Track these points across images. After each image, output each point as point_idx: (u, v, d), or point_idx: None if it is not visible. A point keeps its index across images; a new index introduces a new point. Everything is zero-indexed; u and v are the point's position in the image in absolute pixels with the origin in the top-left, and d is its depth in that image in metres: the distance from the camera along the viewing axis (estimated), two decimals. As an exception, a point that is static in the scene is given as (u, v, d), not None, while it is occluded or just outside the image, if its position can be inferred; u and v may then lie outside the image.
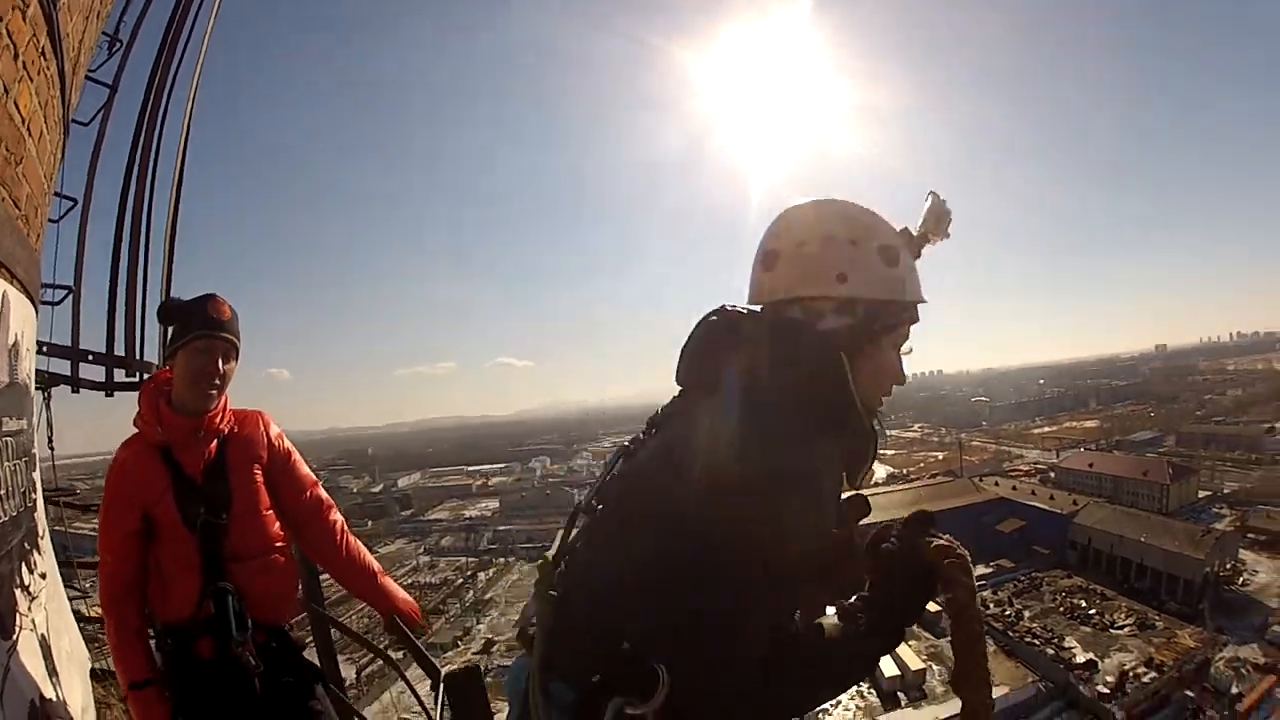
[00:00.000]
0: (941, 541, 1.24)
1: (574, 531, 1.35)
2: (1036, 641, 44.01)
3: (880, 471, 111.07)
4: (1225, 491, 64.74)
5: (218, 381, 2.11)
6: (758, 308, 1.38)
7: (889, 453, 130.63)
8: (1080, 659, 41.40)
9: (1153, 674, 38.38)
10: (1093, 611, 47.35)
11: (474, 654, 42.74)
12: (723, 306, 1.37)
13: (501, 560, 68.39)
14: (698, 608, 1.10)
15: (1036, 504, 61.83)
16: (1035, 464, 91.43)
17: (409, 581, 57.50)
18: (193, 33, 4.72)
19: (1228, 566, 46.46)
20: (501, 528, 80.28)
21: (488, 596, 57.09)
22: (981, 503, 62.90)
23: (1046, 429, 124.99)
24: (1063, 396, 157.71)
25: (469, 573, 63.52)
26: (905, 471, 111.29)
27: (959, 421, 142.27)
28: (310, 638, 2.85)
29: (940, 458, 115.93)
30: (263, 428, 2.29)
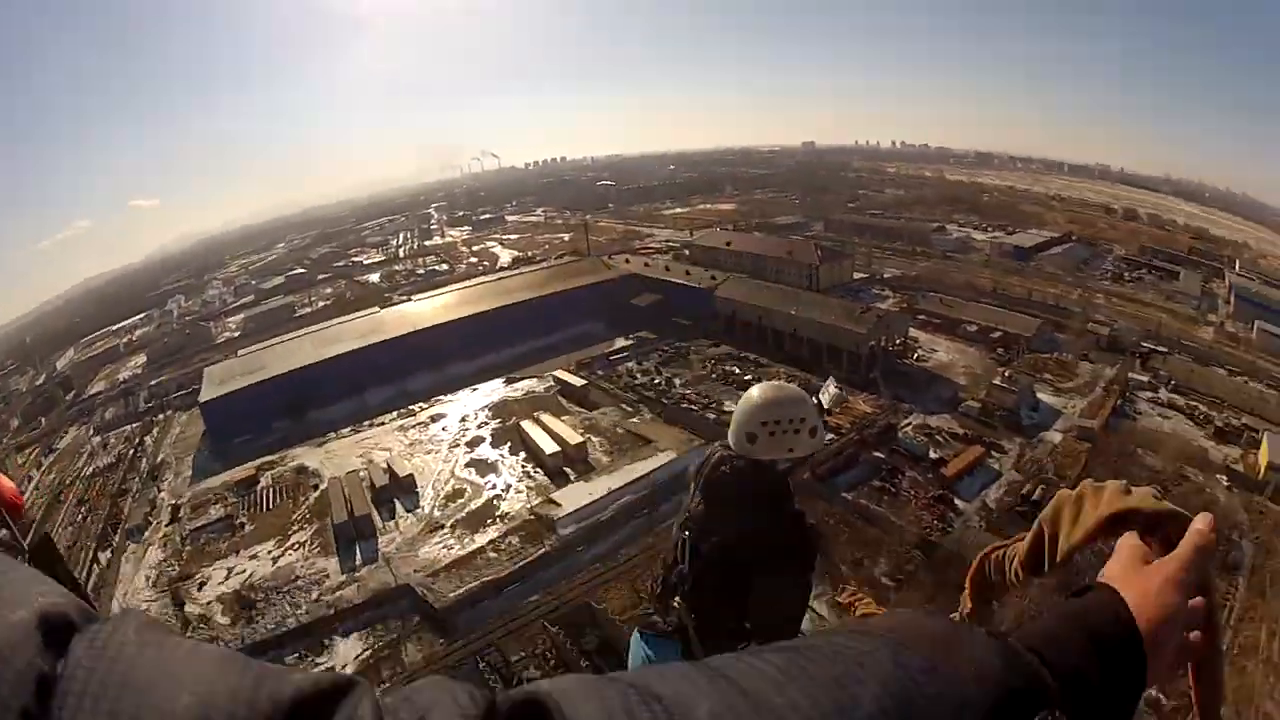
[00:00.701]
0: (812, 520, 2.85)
1: (679, 578, 2.76)
2: (694, 407, 39.74)
3: (505, 256, 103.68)
4: (886, 276, 64.17)
5: None
6: (740, 458, 2.77)
7: (512, 237, 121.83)
8: (744, 422, 33.53)
9: (830, 435, 33.93)
10: (749, 377, 43.33)
11: (166, 526, 39.13)
12: (724, 457, 2.80)
13: (161, 416, 63.19)
14: (762, 604, 2.56)
15: (672, 279, 58.45)
16: (668, 242, 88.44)
17: (90, 470, 52.64)
18: None
19: (898, 342, 45.63)
20: (153, 382, 73.23)
21: (160, 460, 53.04)
22: (613, 279, 60.35)
23: (678, 210, 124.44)
24: (695, 181, 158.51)
25: (136, 440, 59.18)
26: (531, 254, 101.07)
27: (584, 205, 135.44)
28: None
29: (566, 239, 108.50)
30: None
